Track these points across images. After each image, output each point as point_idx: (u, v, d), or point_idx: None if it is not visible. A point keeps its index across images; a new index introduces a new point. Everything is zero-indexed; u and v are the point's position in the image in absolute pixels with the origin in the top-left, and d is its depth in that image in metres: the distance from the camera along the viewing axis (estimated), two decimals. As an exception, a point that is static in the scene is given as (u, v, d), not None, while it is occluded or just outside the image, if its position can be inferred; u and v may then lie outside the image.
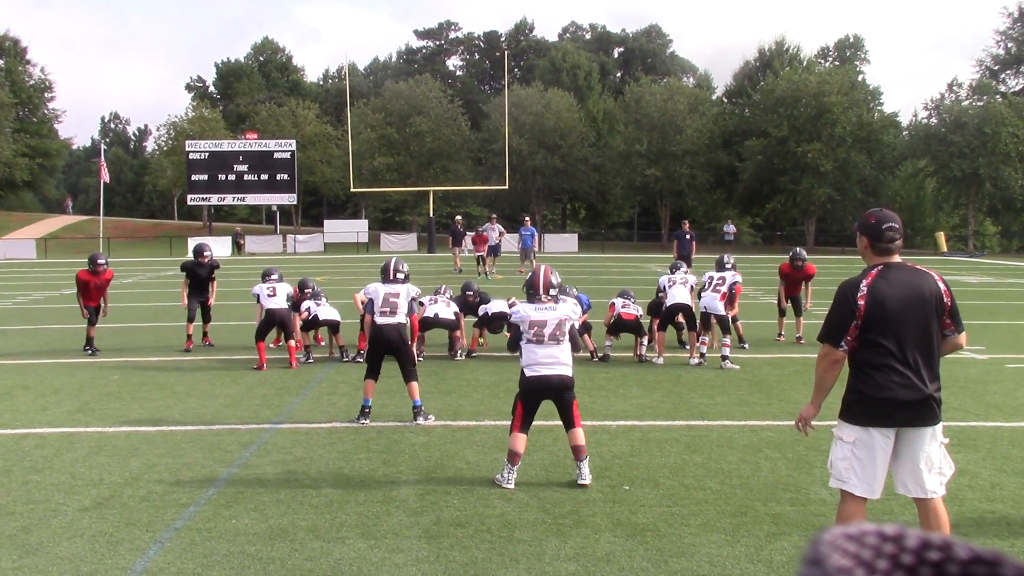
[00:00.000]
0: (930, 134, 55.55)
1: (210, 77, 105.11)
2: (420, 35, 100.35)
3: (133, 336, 16.27)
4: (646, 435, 8.66)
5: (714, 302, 12.84)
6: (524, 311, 7.36)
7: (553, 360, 7.12)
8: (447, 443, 8.37)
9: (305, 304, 13.42)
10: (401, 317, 9.38)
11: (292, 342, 12.99)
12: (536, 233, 36.89)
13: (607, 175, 65.05)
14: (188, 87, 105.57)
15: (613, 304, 13.60)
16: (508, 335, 7.99)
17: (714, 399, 10.41)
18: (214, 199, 58.08)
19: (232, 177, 56.23)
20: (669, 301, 13.21)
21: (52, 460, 7.88)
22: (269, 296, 12.89)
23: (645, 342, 13.69)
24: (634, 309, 13.44)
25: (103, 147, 68.09)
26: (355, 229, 56.18)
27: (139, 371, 12.53)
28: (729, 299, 13.01)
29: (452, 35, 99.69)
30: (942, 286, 4.90)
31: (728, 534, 5.97)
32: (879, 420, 4.79)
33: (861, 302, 4.79)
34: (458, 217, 38.08)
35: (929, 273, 4.94)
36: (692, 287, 13.44)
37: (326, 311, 13.48)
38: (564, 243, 54.29)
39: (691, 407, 9.97)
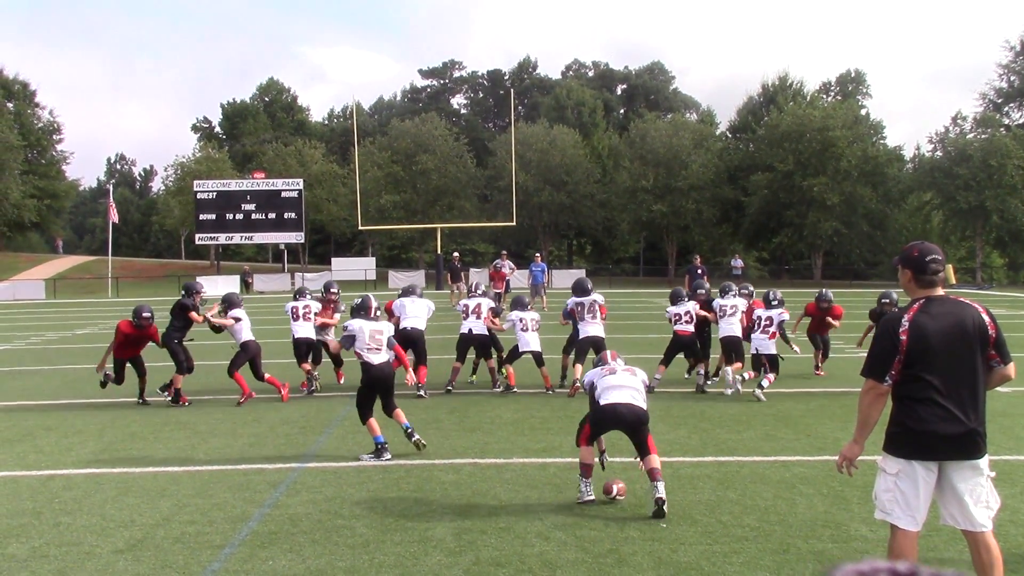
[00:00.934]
0: (935, 167, 55.68)
1: (216, 118, 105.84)
2: (425, 74, 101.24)
3: (149, 376, 16.17)
4: (677, 471, 8.59)
5: (765, 342, 13.05)
6: (593, 373, 7.92)
7: (633, 387, 7.63)
8: (477, 481, 8.30)
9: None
10: (386, 354, 9.54)
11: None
12: (546, 268, 36.87)
13: (613, 210, 65.20)
14: (194, 128, 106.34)
15: (670, 319, 13.70)
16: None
17: (741, 434, 10.34)
18: (222, 238, 58.22)
19: (240, 216, 56.41)
20: (722, 333, 13.62)
21: (81, 502, 7.82)
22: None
23: (702, 370, 13.69)
24: (689, 323, 13.47)
25: (110, 187, 68.35)
26: (362, 267, 56.27)
27: (159, 411, 12.48)
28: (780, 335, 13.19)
29: (456, 74, 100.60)
30: (986, 318, 4.86)
31: (773, 572, 5.89)
32: (922, 453, 4.75)
33: (903, 336, 4.76)
34: (456, 254, 38.11)
35: (973, 305, 4.90)
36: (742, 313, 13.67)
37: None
38: (571, 278, 53.81)
39: (719, 443, 9.90)
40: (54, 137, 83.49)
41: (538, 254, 39.40)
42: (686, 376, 14.61)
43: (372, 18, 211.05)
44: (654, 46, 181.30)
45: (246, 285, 51.74)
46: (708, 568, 5.98)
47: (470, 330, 13.86)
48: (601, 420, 7.49)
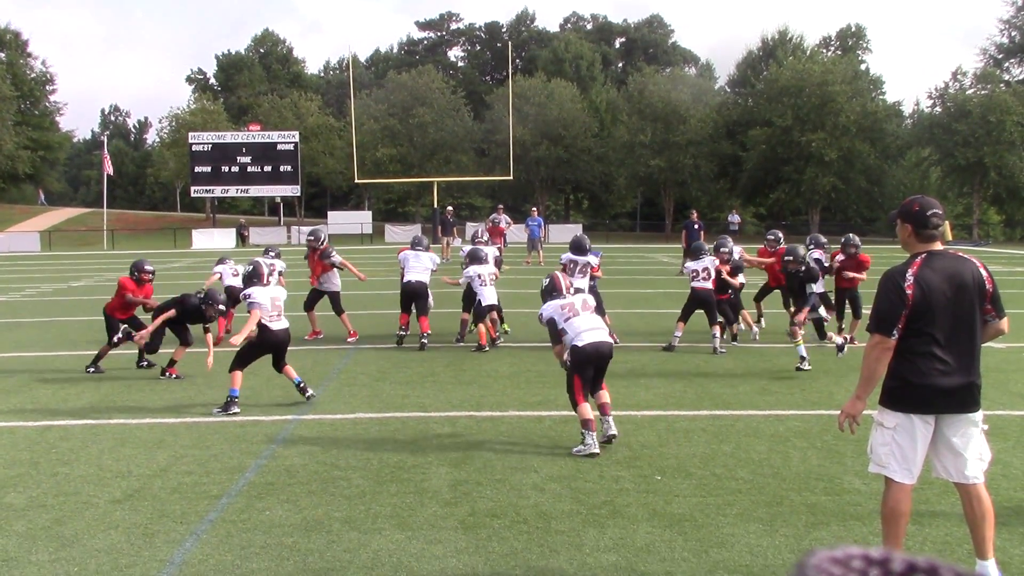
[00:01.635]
0: (934, 123, 55.43)
1: (211, 69, 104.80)
2: (421, 26, 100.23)
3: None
4: (672, 425, 8.63)
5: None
6: (551, 307, 8.01)
7: (600, 326, 7.96)
8: (473, 434, 8.34)
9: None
10: (285, 320, 9.93)
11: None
12: (543, 223, 36.79)
13: (610, 165, 64.92)
14: (189, 79, 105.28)
15: (696, 271, 13.24)
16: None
17: (736, 388, 10.38)
18: (217, 191, 57.94)
19: (235, 169, 56.08)
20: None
21: (78, 452, 7.85)
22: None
23: (718, 333, 12.96)
24: (706, 280, 12.99)
25: (104, 139, 67.90)
26: (359, 220, 56.13)
27: (158, 360, 12.48)
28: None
29: (453, 26, 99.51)
30: (984, 272, 4.91)
31: (766, 524, 5.94)
32: (921, 407, 4.80)
33: (910, 291, 4.76)
34: (448, 208, 37.92)
35: (971, 260, 4.95)
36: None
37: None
38: (568, 233, 53.88)
39: (714, 397, 9.94)
40: (47, 88, 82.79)
41: (535, 208, 39.28)
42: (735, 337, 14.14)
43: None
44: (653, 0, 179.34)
45: (242, 238, 51.67)
46: (702, 520, 6.03)
47: (492, 305, 13.41)
48: (586, 360, 7.71)
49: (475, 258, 13.62)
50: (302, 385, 9.75)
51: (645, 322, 16.22)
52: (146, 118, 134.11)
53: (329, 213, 61.82)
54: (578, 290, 8.56)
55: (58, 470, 7.32)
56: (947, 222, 5.15)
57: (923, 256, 4.86)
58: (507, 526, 5.93)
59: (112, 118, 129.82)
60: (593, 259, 13.30)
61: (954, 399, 4.78)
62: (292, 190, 58.06)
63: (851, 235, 13.80)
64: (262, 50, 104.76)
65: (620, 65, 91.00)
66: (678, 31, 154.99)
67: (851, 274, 13.47)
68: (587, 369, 7.72)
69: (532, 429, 8.49)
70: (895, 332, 4.81)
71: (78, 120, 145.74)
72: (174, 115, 72.57)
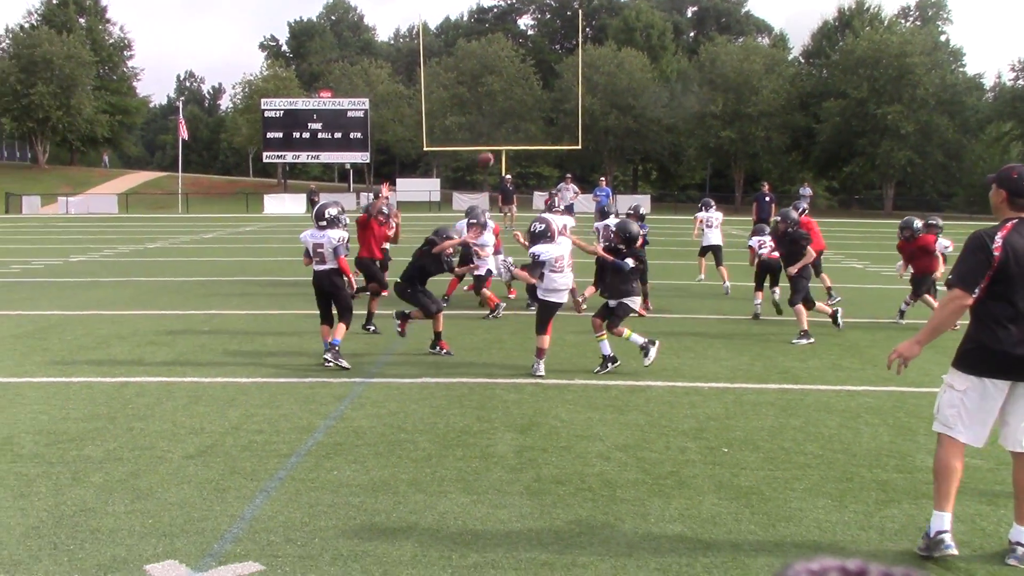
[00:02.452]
0: (1017, 96, 53.73)
1: (283, 36, 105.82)
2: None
3: (219, 289, 16.51)
4: (740, 397, 8.55)
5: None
6: (548, 253, 9.38)
7: (567, 286, 9.67)
8: (539, 400, 8.35)
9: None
10: (330, 263, 10.01)
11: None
12: (611, 193, 36.55)
13: (680, 136, 64.22)
14: (262, 46, 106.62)
15: (751, 247, 13.58)
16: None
17: (806, 363, 10.24)
18: (289, 157, 58.62)
19: (306, 135, 56.67)
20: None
21: (153, 408, 8.04)
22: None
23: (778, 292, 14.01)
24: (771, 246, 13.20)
25: (180, 104, 68.99)
26: (427, 188, 56.36)
27: (229, 323, 12.73)
28: None
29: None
30: None
31: (835, 500, 5.85)
32: (995, 372, 4.78)
33: (997, 252, 4.74)
34: (508, 176, 37.80)
35: None
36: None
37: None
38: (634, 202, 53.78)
39: (783, 370, 9.81)
40: (125, 53, 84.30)
41: (603, 179, 39.04)
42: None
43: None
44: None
45: (312, 204, 52.15)
46: (769, 493, 5.96)
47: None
48: (552, 310, 9.59)
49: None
50: (335, 346, 9.76)
51: (713, 294, 16.06)
52: (220, 84, 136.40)
53: (397, 180, 62.12)
54: (563, 235, 10.02)
55: (134, 425, 7.50)
56: None
57: (1014, 222, 4.83)
58: (572, 493, 5.94)
59: (187, 84, 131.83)
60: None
61: None
62: (362, 157, 58.49)
63: (909, 218, 13.35)
64: (333, 17, 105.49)
65: (692, 35, 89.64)
66: (751, 0, 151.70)
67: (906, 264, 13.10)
68: (550, 314, 9.55)
69: (598, 397, 8.48)
70: (976, 290, 4.79)
71: (154, 86, 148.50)
72: (247, 81, 73.52)
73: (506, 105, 64.56)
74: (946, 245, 13.06)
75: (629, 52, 64.77)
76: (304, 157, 59.36)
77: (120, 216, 48.80)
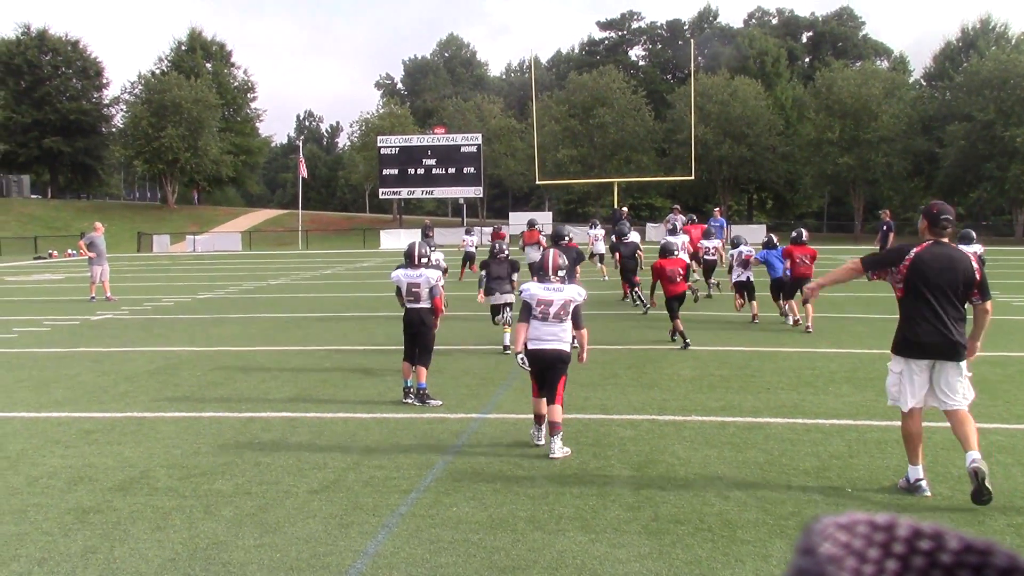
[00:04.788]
0: None
1: (398, 74, 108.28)
2: (603, 26, 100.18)
3: (338, 325, 16.94)
4: (863, 435, 8.33)
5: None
6: (534, 290, 7.90)
7: (553, 337, 7.79)
8: (655, 438, 8.29)
9: None
10: (424, 302, 10.14)
11: None
12: (725, 224, 36.13)
13: (796, 164, 63.19)
14: (377, 84, 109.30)
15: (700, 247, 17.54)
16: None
17: (933, 399, 9.90)
18: (404, 192, 59.83)
19: (421, 171, 57.78)
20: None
21: (278, 443, 8.30)
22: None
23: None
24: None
25: (300, 144, 71.24)
26: (540, 221, 56.61)
27: (349, 359, 13.04)
28: None
29: (635, 25, 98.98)
30: (975, 264, 6.49)
31: (967, 543, 5.63)
32: (916, 354, 6.52)
33: (907, 261, 6.47)
34: (624, 209, 37.66)
35: (967, 254, 6.55)
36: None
37: None
38: (751, 234, 52.89)
39: (908, 407, 9.51)
40: (248, 96, 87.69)
41: (717, 209, 38.61)
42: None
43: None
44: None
45: (427, 238, 53.11)
46: (896, 536, 5.78)
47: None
48: (532, 362, 7.90)
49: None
50: (416, 390, 9.94)
51: (834, 326, 15.70)
52: (337, 122, 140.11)
53: (510, 213, 62.69)
54: (562, 279, 7.94)
55: (260, 460, 7.76)
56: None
57: (929, 243, 6.52)
58: (691, 533, 5.88)
59: (307, 123, 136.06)
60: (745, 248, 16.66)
61: (942, 351, 6.44)
62: (475, 191, 59.29)
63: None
64: (447, 54, 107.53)
65: (807, 60, 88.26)
66: (869, 23, 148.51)
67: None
68: (535, 370, 7.92)
69: (715, 435, 8.37)
70: (871, 272, 6.71)
71: (276, 125, 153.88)
72: (364, 120, 75.46)
73: (618, 137, 64.65)
74: None
75: (742, 80, 64.19)
76: (419, 193, 60.51)
77: (244, 253, 50.55)
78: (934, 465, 7.34)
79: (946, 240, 6.54)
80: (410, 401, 9.86)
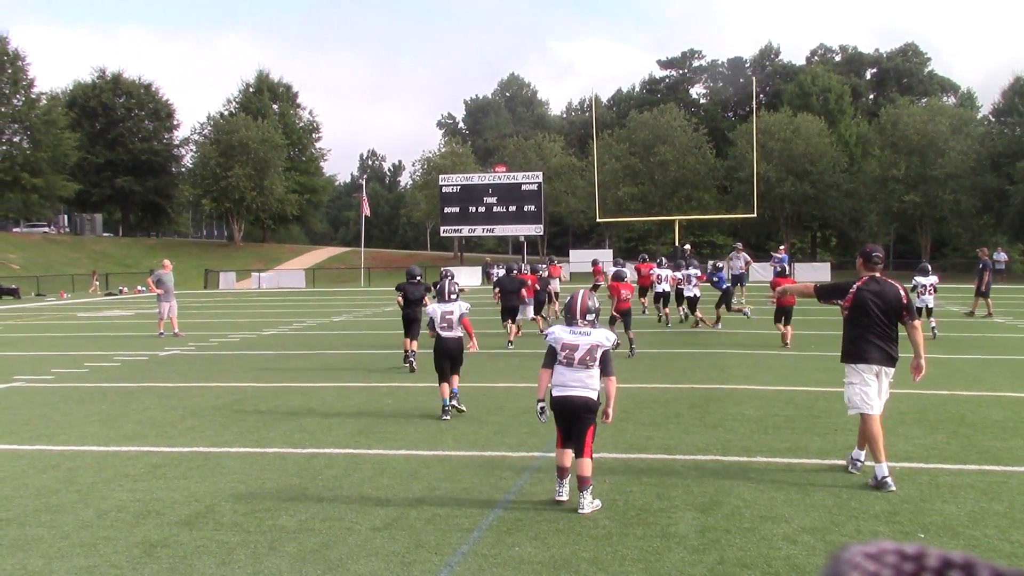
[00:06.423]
0: None
1: (459, 114, 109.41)
2: (663, 64, 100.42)
3: (398, 361, 17.01)
4: (935, 479, 8.10)
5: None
6: (559, 334, 7.56)
7: (579, 384, 7.38)
8: (720, 479, 8.16)
9: None
10: (457, 330, 11.79)
11: None
12: (788, 260, 35.74)
13: (860, 201, 62.37)
14: (439, 124, 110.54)
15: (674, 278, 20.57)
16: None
17: (1007, 442, 9.61)
18: (465, 230, 60.21)
19: (482, 209, 58.12)
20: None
21: (341, 480, 8.34)
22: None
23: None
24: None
25: (363, 182, 72.21)
26: (601, 259, 56.55)
27: (410, 396, 13.09)
28: None
29: (696, 63, 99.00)
30: (902, 292, 8.04)
31: (1047, 593, 5.44)
32: (861, 361, 7.97)
33: (852, 292, 8.02)
34: (687, 246, 37.39)
35: (896, 284, 8.09)
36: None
37: None
38: (815, 273, 52.31)
39: (982, 450, 9.24)
40: (313, 136, 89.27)
41: (781, 246, 38.24)
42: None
43: (624, 8, 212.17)
44: (908, 27, 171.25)
45: (487, 276, 53.35)
46: (972, 584, 5.60)
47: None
48: (556, 411, 7.50)
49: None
50: (455, 394, 11.55)
51: (902, 365, 15.34)
52: (400, 161, 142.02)
53: (571, 251, 62.77)
54: (591, 323, 7.56)
55: (323, 496, 7.80)
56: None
57: (866, 278, 8.09)
58: (758, 577, 5.76)
59: (370, 162, 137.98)
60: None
61: (882, 361, 7.94)
62: (535, 229, 59.42)
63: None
64: (508, 94, 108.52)
65: (871, 96, 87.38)
66: (935, 59, 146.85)
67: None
68: (560, 419, 7.49)
69: (781, 477, 8.22)
70: (822, 300, 8.55)
71: (340, 163, 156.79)
72: (426, 159, 76.35)
73: (679, 174, 64.51)
74: None
75: (805, 117, 63.69)
76: (480, 231, 60.82)
77: (307, 291, 51.20)
78: (1010, 511, 7.11)
79: (879, 274, 8.10)
80: (448, 418, 11.12)
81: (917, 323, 8.09)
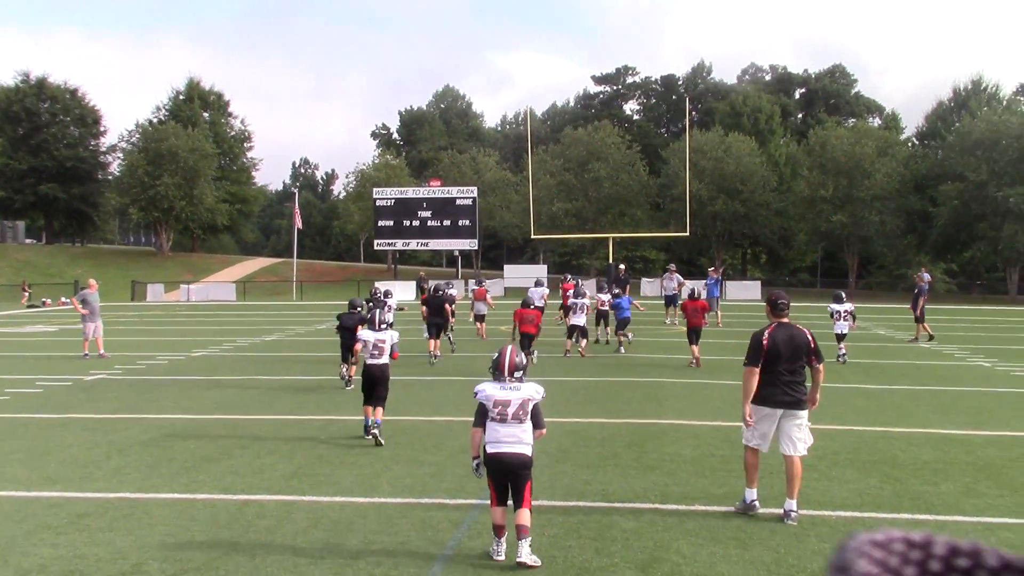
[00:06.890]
0: None
1: (394, 124, 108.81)
2: (598, 80, 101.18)
3: (332, 387, 16.74)
4: (871, 528, 8.16)
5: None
6: (489, 391, 7.46)
7: (514, 439, 7.30)
8: (659, 531, 8.13)
9: None
10: (384, 358, 12.46)
11: None
12: (720, 281, 36.19)
13: (790, 220, 63.55)
14: (373, 134, 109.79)
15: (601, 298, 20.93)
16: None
17: (938, 487, 9.76)
18: (399, 244, 59.92)
19: (416, 223, 57.93)
20: None
21: (274, 532, 8.13)
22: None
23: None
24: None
25: (296, 191, 71.44)
26: (534, 274, 56.69)
27: (346, 430, 12.85)
28: None
29: (630, 79, 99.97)
30: (809, 337, 8.65)
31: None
32: (772, 405, 8.52)
33: (765, 343, 8.53)
34: (622, 266, 37.65)
35: (803, 329, 8.71)
36: None
37: None
38: (746, 290, 53.13)
39: (914, 496, 9.37)
40: (245, 145, 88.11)
41: (711, 268, 38.68)
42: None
43: (562, 22, 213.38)
44: (837, 45, 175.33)
45: (421, 290, 53.09)
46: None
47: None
48: (491, 468, 7.36)
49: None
50: (377, 425, 11.81)
51: (833, 398, 15.52)
52: (333, 170, 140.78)
53: (506, 266, 62.82)
54: (519, 379, 7.50)
55: (256, 551, 7.58)
56: None
57: (774, 324, 8.69)
58: (700, 647, 5.72)
59: (302, 170, 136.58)
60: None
61: (788, 404, 8.48)
62: (470, 243, 59.41)
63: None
64: (443, 105, 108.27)
65: (800, 116, 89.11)
66: (862, 79, 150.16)
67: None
68: (495, 476, 7.36)
69: (720, 529, 8.21)
70: (759, 363, 8.52)
71: (271, 171, 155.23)
72: (360, 170, 75.89)
73: (612, 191, 65.02)
74: None
75: (736, 136, 64.75)
76: (414, 244, 60.61)
77: (238, 304, 50.38)
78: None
79: (786, 320, 8.74)
80: (370, 438, 11.84)
81: (822, 367, 8.76)
